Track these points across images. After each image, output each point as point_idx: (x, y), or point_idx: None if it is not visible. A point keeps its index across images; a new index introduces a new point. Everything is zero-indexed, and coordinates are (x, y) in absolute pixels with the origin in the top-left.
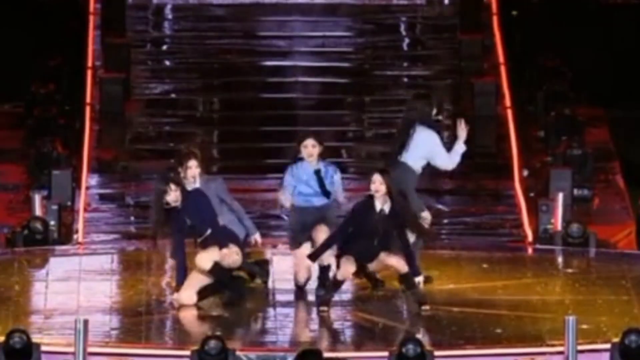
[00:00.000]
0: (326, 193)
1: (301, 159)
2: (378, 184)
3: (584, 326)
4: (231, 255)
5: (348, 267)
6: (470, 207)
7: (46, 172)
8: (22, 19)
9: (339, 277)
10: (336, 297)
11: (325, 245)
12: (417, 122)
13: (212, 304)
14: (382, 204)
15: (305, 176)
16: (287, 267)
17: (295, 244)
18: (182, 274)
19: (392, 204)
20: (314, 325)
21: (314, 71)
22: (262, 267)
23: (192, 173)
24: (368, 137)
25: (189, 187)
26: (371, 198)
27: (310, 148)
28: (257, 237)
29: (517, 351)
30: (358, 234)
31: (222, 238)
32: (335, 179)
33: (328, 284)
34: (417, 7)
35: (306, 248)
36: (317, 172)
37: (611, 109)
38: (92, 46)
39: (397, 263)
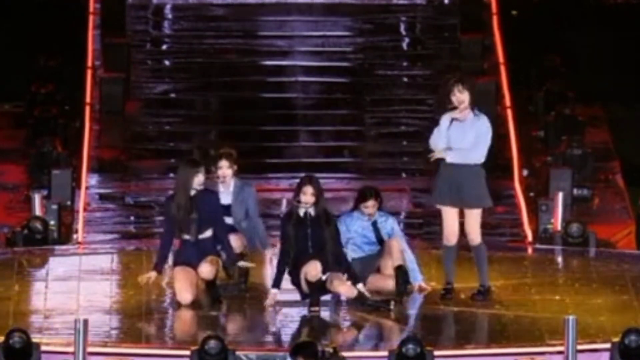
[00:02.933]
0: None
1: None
2: (309, 196)
3: (584, 326)
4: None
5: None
6: None
7: (46, 171)
8: (22, 19)
9: (308, 277)
10: (336, 297)
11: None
12: None
13: (212, 304)
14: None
15: (362, 228)
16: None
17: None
18: (162, 259)
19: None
20: (314, 325)
21: (313, 71)
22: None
23: (223, 173)
24: (368, 136)
25: (220, 187)
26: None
27: (370, 208)
28: (267, 252)
29: (517, 351)
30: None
31: (214, 246)
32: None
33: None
34: (417, 7)
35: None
36: (374, 224)
37: (611, 109)
38: (92, 46)
39: (346, 290)
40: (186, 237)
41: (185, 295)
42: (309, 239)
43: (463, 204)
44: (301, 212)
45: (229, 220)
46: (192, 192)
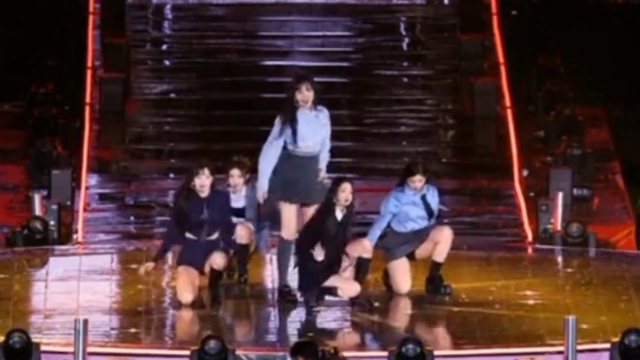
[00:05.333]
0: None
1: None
2: (348, 193)
3: (584, 326)
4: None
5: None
6: (470, 207)
7: (46, 172)
8: (22, 19)
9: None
10: (336, 297)
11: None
12: None
13: (212, 304)
14: (341, 212)
15: (411, 200)
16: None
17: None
18: (162, 252)
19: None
20: (314, 325)
21: (313, 71)
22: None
23: (234, 182)
24: (367, 136)
25: (231, 194)
26: (333, 205)
27: (417, 183)
28: (267, 254)
29: (517, 351)
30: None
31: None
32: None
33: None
34: (417, 7)
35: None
36: (423, 197)
37: (611, 109)
38: (92, 46)
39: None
40: (191, 237)
41: (186, 295)
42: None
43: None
44: (338, 213)
45: (239, 220)
46: (203, 194)
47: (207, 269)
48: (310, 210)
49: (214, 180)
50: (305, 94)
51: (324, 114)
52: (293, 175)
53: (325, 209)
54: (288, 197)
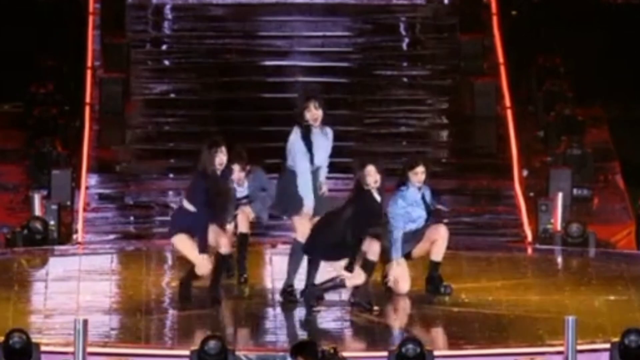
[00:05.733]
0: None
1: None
2: (375, 175)
3: (584, 326)
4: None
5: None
6: (470, 207)
7: (46, 172)
8: (21, 19)
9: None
10: (336, 297)
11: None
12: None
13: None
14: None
15: (413, 199)
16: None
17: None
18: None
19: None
20: (314, 326)
21: (313, 71)
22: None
23: (237, 177)
24: (367, 136)
25: (237, 190)
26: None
27: (420, 175)
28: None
29: (517, 351)
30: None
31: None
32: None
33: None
34: (417, 7)
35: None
36: (423, 197)
37: (611, 109)
38: (92, 46)
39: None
40: (191, 208)
41: (206, 264)
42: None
43: None
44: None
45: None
46: (219, 172)
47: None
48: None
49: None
50: (314, 112)
51: (331, 133)
52: (313, 190)
53: (356, 196)
54: (299, 211)
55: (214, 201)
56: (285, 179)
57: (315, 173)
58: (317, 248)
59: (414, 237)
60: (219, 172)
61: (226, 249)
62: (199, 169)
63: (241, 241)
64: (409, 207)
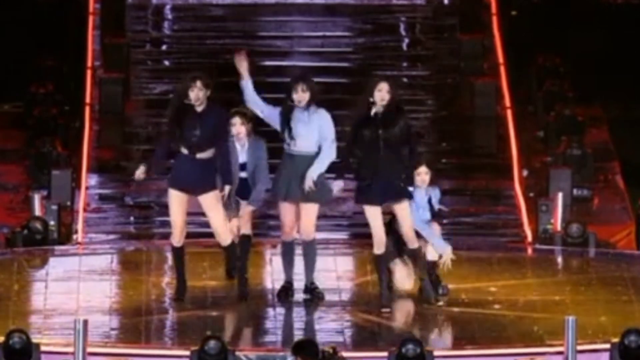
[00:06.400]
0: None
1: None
2: (384, 92)
3: (584, 326)
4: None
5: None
6: (470, 207)
7: (46, 172)
8: (21, 19)
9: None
10: (336, 297)
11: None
12: None
13: (212, 304)
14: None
15: (419, 203)
16: None
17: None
18: (154, 162)
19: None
20: (314, 325)
21: (313, 71)
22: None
23: (237, 130)
24: None
25: (236, 145)
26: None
27: (423, 175)
28: (251, 205)
29: (517, 351)
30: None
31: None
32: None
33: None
34: (417, 7)
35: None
36: (429, 200)
37: (611, 109)
38: (91, 46)
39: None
40: (185, 152)
41: (178, 235)
42: (380, 139)
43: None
44: (372, 112)
45: (243, 174)
46: (199, 108)
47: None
48: (310, 209)
49: (211, 95)
50: (300, 94)
51: (318, 116)
52: (291, 173)
53: (360, 110)
54: (287, 196)
55: (173, 130)
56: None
57: (310, 158)
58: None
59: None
60: (197, 107)
61: (224, 241)
62: (173, 96)
63: (243, 242)
64: (415, 212)
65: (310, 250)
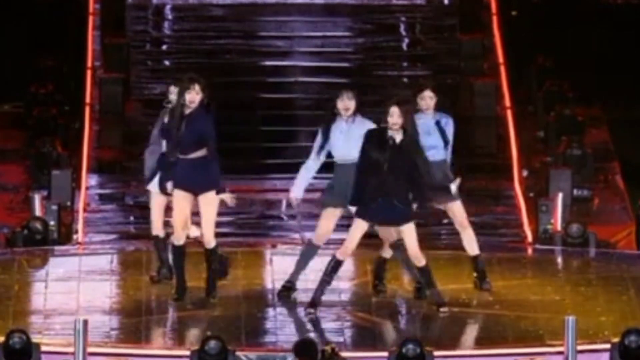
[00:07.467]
0: (446, 145)
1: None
2: (396, 117)
3: (584, 326)
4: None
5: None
6: (470, 207)
7: (46, 172)
8: (22, 19)
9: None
10: (336, 298)
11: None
12: None
13: (212, 304)
14: (395, 135)
15: (426, 127)
16: (287, 267)
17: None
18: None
19: (404, 137)
20: (314, 325)
21: (313, 71)
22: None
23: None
24: None
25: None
26: (384, 129)
27: (427, 100)
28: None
29: (517, 351)
30: (369, 167)
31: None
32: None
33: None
34: (417, 7)
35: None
36: (438, 123)
37: (611, 109)
38: (92, 46)
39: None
40: (180, 156)
41: (182, 234)
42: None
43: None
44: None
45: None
46: (188, 110)
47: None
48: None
49: (205, 98)
50: (346, 102)
51: (363, 126)
52: (342, 183)
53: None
54: (335, 203)
55: (168, 133)
56: None
57: (344, 166)
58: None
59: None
60: (186, 109)
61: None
62: (174, 106)
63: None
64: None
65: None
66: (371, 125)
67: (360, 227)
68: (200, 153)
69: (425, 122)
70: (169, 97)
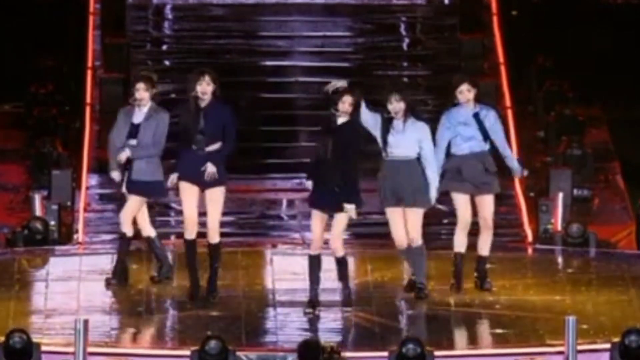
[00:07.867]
0: (486, 137)
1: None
2: (347, 105)
3: (584, 326)
4: None
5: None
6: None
7: (46, 172)
8: (21, 19)
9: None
10: (336, 298)
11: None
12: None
13: (212, 303)
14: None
15: (463, 118)
16: (287, 266)
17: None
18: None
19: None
20: (314, 325)
21: (313, 71)
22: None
23: (140, 95)
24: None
25: (136, 109)
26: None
27: (466, 93)
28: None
29: (517, 351)
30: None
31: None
32: (497, 126)
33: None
34: (417, 7)
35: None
36: (476, 115)
37: (611, 109)
38: (92, 46)
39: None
40: (193, 147)
41: (193, 229)
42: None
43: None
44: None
45: (133, 142)
46: (203, 103)
47: None
48: (417, 214)
49: (216, 89)
50: (395, 105)
51: (415, 127)
52: (395, 180)
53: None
54: (397, 202)
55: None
56: None
57: (407, 163)
58: None
59: (468, 165)
60: (201, 102)
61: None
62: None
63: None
64: (457, 127)
65: (418, 253)
66: (425, 127)
67: (313, 216)
68: (216, 146)
69: (464, 113)
70: (135, 94)
